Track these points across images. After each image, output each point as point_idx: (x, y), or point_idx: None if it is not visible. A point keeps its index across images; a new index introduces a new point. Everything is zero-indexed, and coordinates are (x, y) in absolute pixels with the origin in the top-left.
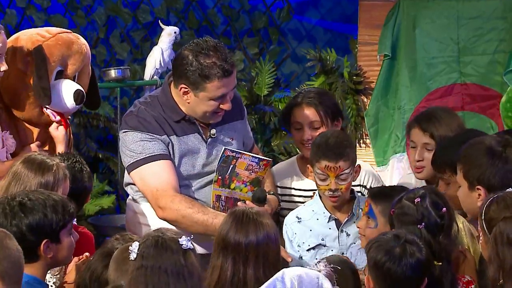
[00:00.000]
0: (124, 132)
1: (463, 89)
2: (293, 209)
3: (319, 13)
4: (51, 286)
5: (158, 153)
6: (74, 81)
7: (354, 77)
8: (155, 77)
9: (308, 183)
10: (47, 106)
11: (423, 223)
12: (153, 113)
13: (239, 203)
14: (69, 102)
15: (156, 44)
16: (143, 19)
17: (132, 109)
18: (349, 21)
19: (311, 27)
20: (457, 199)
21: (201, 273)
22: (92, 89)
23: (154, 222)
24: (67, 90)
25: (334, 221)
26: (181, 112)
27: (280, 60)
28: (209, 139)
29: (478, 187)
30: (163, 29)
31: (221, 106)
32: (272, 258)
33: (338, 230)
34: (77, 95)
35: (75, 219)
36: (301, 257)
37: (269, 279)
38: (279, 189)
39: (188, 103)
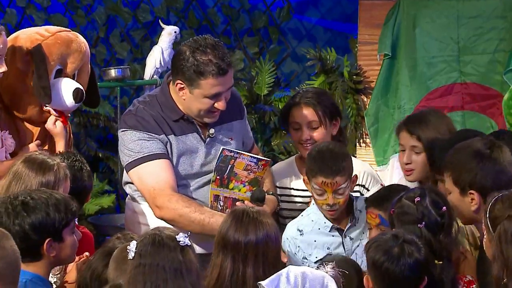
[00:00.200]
0: (122, 131)
1: (463, 89)
2: (293, 209)
3: (319, 12)
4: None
5: (156, 152)
6: (73, 79)
7: (354, 77)
8: (155, 76)
9: None
10: (47, 105)
11: (423, 222)
12: (152, 112)
13: (238, 203)
14: (69, 100)
15: (156, 43)
16: (143, 18)
17: (131, 108)
18: (349, 21)
19: (311, 27)
20: None
21: (200, 270)
22: (91, 87)
23: (153, 222)
24: (67, 88)
25: (336, 229)
26: (180, 111)
27: (280, 59)
28: (208, 139)
29: (471, 191)
30: (163, 28)
31: (216, 105)
32: (272, 258)
33: (342, 236)
34: (76, 93)
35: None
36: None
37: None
38: (278, 189)
39: (184, 99)
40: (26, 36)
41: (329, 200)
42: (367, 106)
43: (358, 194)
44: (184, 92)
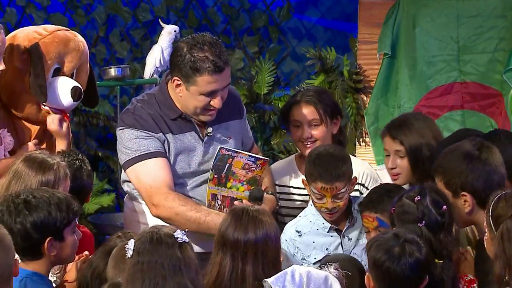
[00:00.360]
0: (120, 129)
1: (463, 88)
2: (292, 207)
3: (319, 11)
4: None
5: (154, 150)
6: (72, 79)
7: (354, 76)
8: (155, 75)
9: None
10: (45, 104)
11: (423, 221)
12: (150, 111)
13: (236, 202)
14: (66, 99)
15: (156, 42)
16: (143, 17)
17: (129, 107)
18: (349, 20)
19: (311, 26)
20: None
21: (198, 267)
22: (90, 87)
23: (152, 220)
24: (64, 87)
25: (335, 230)
26: (178, 110)
27: (280, 58)
28: (206, 138)
29: (463, 193)
30: (163, 27)
31: (212, 103)
32: (271, 256)
33: (340, 236)
34: (74, 91)
35: None
36: None
37: (268, 276)
38: (277, 187)
39: (181, 96)
40: (24, 35)
41: (328, 204)
42: (367, 105)
43: (357, 193)
44: (181, 88)
